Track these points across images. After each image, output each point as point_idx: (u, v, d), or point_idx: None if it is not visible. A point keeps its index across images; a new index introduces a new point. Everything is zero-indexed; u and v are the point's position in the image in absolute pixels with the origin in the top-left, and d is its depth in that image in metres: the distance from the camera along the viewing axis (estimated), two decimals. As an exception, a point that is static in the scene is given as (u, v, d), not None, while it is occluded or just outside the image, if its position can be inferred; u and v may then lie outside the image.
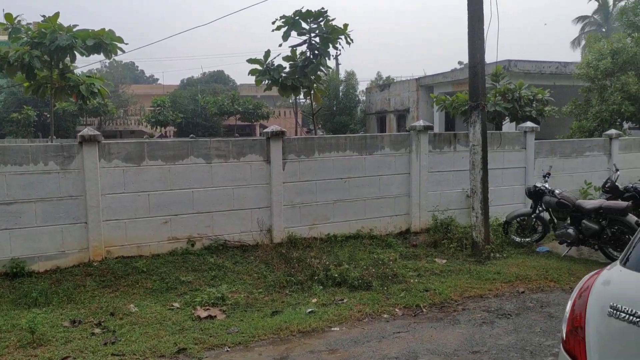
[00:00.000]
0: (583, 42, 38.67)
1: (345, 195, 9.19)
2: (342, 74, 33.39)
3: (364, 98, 33.94)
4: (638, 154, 12.25)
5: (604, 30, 42.31)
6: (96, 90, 10.87)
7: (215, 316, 6.10)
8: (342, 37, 11.12)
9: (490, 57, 8.80)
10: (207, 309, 6.24)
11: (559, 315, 5.84)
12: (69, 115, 33.18)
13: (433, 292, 6.79)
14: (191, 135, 29.15)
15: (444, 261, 8.26)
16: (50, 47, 9.59)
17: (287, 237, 8.63)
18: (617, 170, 10.15)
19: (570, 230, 8.50)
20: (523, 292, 6.91)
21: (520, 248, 9.08)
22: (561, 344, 2.84)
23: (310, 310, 6.19)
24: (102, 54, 10.25)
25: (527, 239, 9.34)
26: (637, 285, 2.60)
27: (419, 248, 8.97)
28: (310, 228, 8.92)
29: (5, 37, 10.77)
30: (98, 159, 7.52)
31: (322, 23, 11.05)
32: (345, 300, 6.54)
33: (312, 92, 11.84)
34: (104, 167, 7.59)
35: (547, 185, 9.25)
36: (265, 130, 8.78)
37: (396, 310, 6.28)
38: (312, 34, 11.16)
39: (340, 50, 12.26)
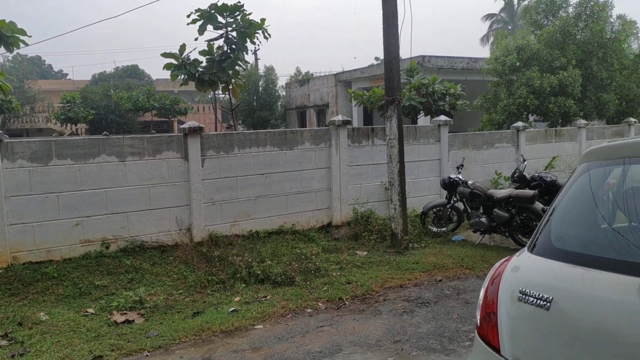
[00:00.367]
0: (492, 39, 40.16)
1: (266, 191, 9.12)
2: (261, 69, 33.07)
3: (284, 93, 33.84)
4: (543, 145, 12.98)
5: (510, 27, 44.59)
6: (-4, 86, 10.12)
7: (133, 320, 5.86)
8: (260, 31, 11.01)
9: (405, 52, 9.02)
10: (125, 314, 5.99)
11: (475, 302, 6.09)
12: (-33, 113, 30.78)
13: (355, 285, 6.89)
14: (104, 132, 27.86)
15: (365, 253, 8.40)
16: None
17: (207, 236, 8.44)
18: (524, 160, 10.69)
19: (483, 219, 8.89)
20: (440, 281, 7.16)
21: (437, 238, 9.40)
22: (476, 330, 2.91)
23: (232, 309, 6.10)
24: (2, 47, 9.59)
25: (443, 229, 9.69)
26: (544, 270, 2.68)
27: (340, 241, 9.07)
28: (232, 225, 8.79)
29: None
30: (1, 160, 7.02)
31: (239, 17, 10.89)
32: (268, 297, 6.49)
33: (230, 87, 11.67)
34: (7, 168, 7.09)
35: (460, 177, 9.62)
36: (182, 126, 8.54)
37: (319, 304, 6.31)
38: (229, 28, 10.98)
39: (258, 45, 12.12)
